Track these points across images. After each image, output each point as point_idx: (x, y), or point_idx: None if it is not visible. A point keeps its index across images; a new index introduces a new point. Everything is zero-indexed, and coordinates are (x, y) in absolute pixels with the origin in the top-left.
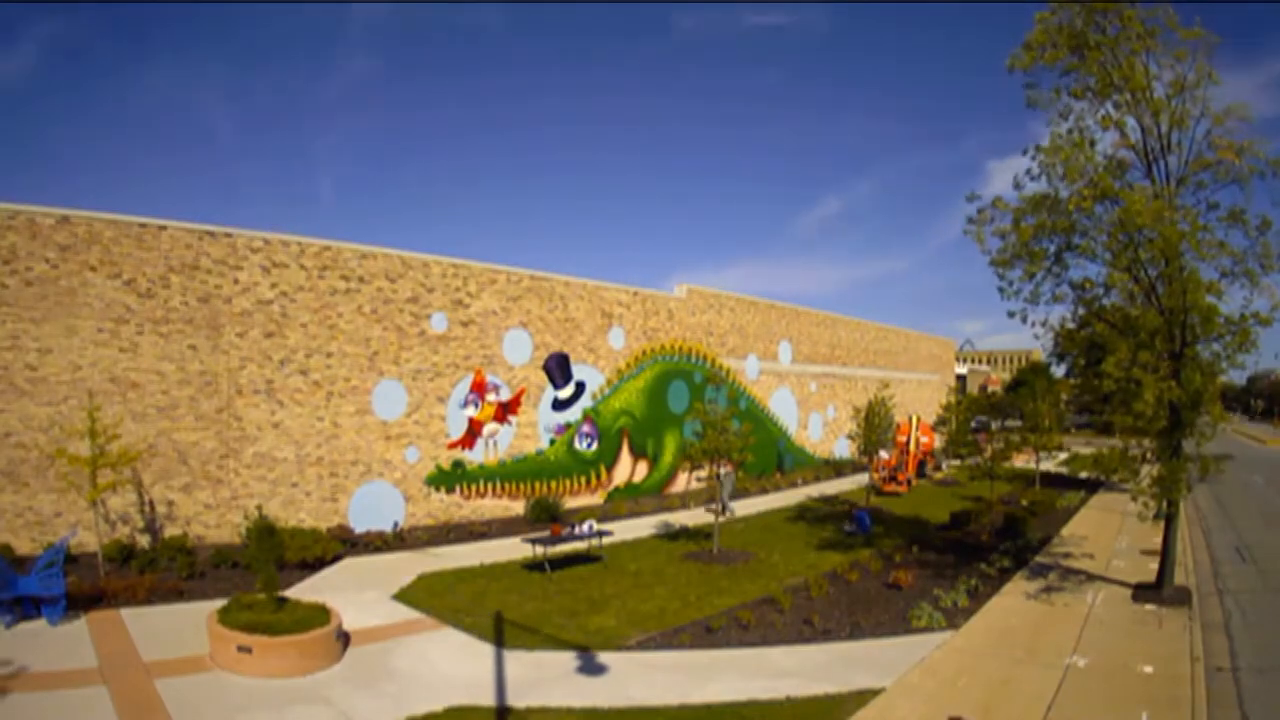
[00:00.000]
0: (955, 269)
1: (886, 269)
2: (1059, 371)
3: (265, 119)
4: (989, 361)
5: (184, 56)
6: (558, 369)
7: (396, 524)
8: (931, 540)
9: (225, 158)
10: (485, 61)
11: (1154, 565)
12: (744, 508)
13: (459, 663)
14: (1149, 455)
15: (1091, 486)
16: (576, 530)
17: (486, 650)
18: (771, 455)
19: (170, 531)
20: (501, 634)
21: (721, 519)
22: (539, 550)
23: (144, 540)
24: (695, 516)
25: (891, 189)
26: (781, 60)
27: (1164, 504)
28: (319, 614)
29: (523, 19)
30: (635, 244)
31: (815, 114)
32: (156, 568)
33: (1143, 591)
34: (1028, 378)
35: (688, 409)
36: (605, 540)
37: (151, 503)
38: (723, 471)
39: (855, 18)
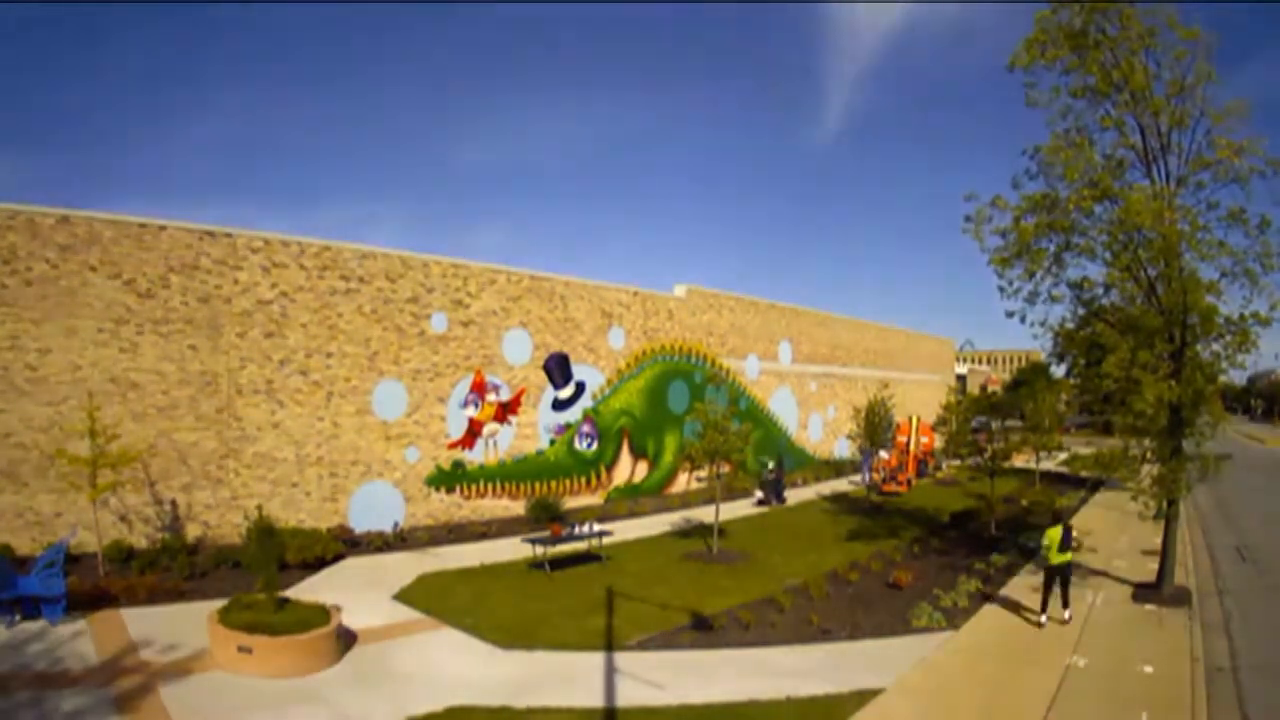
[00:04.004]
0: None
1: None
2: (1059, 371)
3: (262, 118)
4: (989, 361)
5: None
6: (558, 369)
7: (397, 524)
8: (931, 540)
9: (226, 156)
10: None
11: (1154, 565)
12: (744, 508)
13: (459, 663)
14: (1149, 455)
15: (1092, 486)
16: (577, 530)
17: (486, 650)
18: (772, 455)
19: (171, 532)
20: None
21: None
22: (539, 550)
23: (144, 540)
24: (695, 516)
25: None
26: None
27: (1164, 503)
28: (319, 614)
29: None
30: (635, 244)
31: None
32: (157, 568)
33: (1143, 591)
34: (1028, 378)
35: (688, 409)
36: (605, 540)
37: (152, 503)
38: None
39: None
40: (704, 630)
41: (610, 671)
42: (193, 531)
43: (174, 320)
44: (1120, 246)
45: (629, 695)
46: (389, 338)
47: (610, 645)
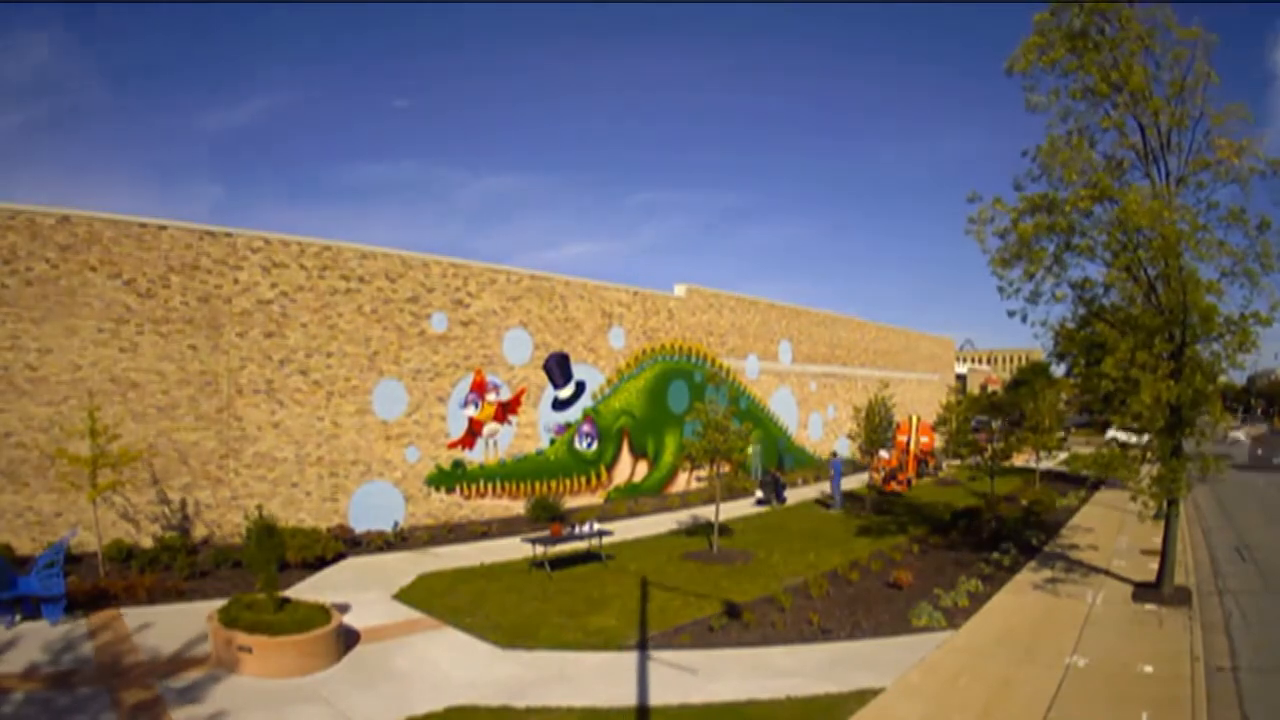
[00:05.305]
0: None
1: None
2: (1059, 371)
3: (264, 116)
4: (989, 361)
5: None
6: (558, 369)
7: (396, 524)
8: (932, 539)
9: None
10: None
11: (1154, 565)
12: (744, 508)
13: (459, 663)
14: (1149, 454)
15: (1093, 485)
16: (577, 530)
17: (487, 650)
18: (772, 455)
19: (171, 531)
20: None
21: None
22: (539, 550)
23: (144, 540)
24: (695, 515)
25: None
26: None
27: (1164, 503)
28: (319, 614)
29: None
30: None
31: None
32: (157, 567)
33: (1143, 591)
34: (1028, 378)
35: (688, 409)
36: (605, 540)
37: (152, 503)
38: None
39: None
40: (704, 629)
41: (610, 671)
42: (193, 531)
43: (174, 320)
44: (1120, 246)
45: (630, 695)
46: (389, 337)
47: (610, 645)
